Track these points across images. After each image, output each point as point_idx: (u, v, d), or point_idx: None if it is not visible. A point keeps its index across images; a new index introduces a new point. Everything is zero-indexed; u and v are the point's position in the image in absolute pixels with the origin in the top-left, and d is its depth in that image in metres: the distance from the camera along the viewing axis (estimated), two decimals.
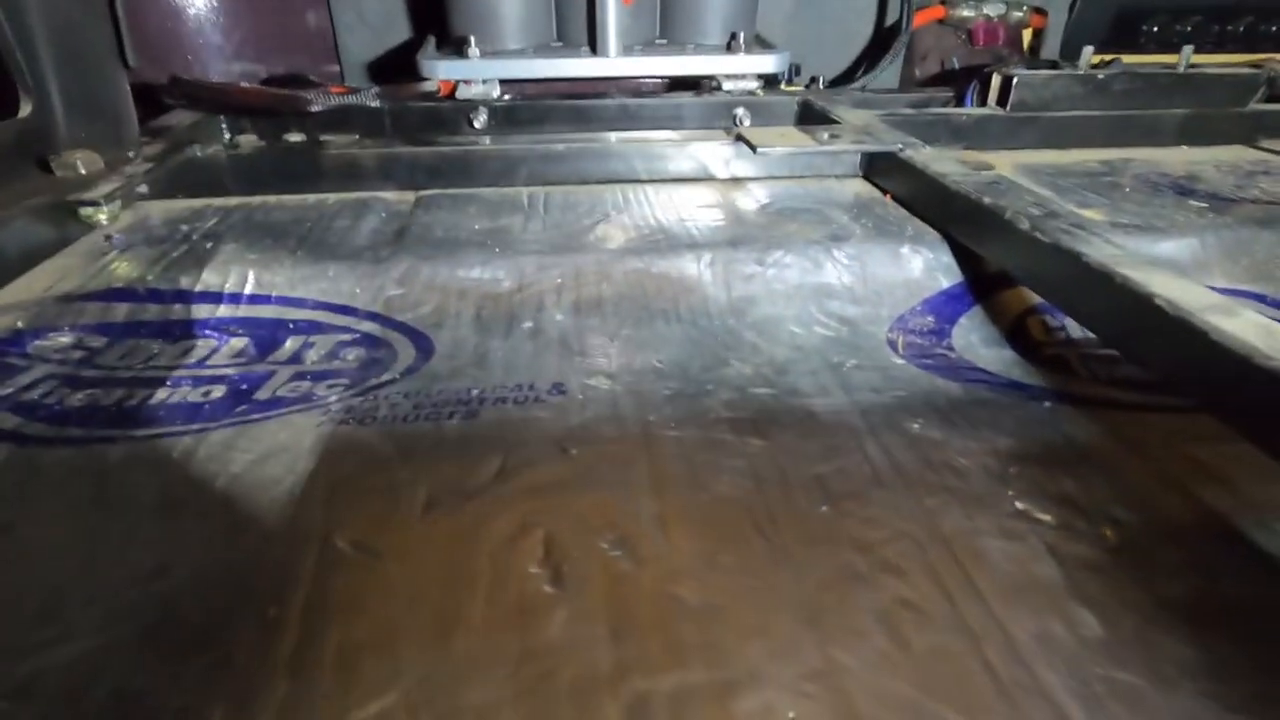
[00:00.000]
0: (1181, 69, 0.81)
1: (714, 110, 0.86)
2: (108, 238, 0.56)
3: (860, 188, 0.69)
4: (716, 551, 0.34)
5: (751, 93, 0.88)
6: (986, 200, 0.52)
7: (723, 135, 0.71)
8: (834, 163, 0.71)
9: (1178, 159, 0.77)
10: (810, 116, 0.83)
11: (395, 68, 0.99)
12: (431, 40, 0.91)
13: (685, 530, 0.35)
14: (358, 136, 0.77)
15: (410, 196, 0.66)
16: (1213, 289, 0.38)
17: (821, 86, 0.98)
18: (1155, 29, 1.07)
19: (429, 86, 0.84)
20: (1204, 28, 1.06)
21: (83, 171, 0.58)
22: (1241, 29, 1.06)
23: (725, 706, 0.27)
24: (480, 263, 0.54)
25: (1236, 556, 0.36)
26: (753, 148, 0.65)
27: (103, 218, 0.56)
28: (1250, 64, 0.90)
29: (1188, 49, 0.82)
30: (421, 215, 0.62)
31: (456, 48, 0.85)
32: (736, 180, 0.71)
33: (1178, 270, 0.43)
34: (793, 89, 0.93)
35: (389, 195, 0.67)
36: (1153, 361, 0.40)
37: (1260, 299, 0.57)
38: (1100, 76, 0.79)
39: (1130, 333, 0.41)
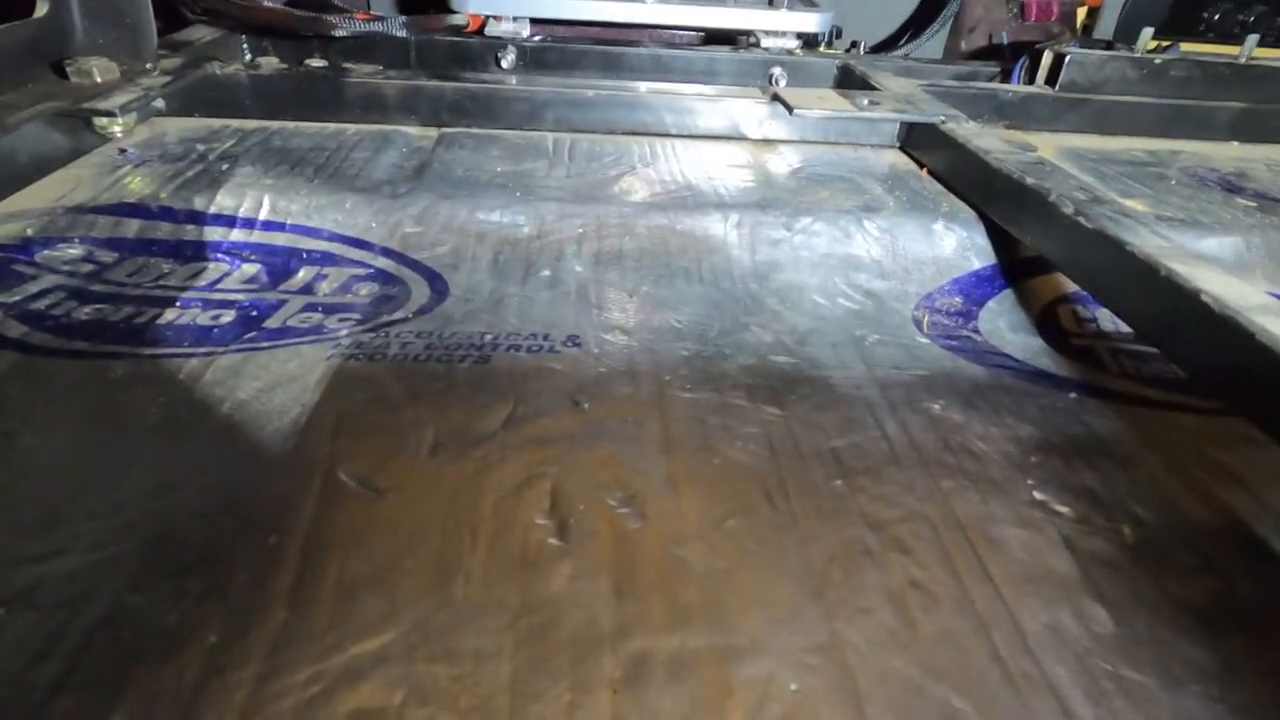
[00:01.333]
0: (1243, 60, 0.78)
1: (750, 67, 0.83)
2: (122, 151, 0.54)
3: (896, 159, 0.67)
4: (725, 516, 0.34)
5: (790, 52, 0.85)
6: (1029, 181, 0.50)
7: (757, 94, 0.69)
8: (871, 131, 0.69)
9: (1228, 154, 0.74)
10: (850, 81, 0.80)
11: None
12: None
13: (694, 493, 0.35)
14: (381, 67, 0.74)
15: (433, 133, 0.64)
16: None
17: (863, 52, 0.94)
18: (1217, 17, 1.02)
19: (458, 20, 0.81)
20: (1268, 19, 1.01)
21: (98, 80, 0.56)
22: None
23: (726, 672, 0.27)
24: (501, 206, 0.52)
25: (1254, 562, 0.35)
26: (789, 108, 0.63)
27: (118, 129, 0.54)
28: None
29: (1252, 39, 0.78)
30: (443, 153, 0.60)
31: None
32: (769, 141, 0.69)
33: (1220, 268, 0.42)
34: (832, 51, 0.90)
35: (411, 130, 0.65)
36: (1191, 359, 0.38)
37: None
38: (1157, 61, 0.76)
39: (1170, 328, 0.39)
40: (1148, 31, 0.77)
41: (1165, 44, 0.85)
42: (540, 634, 0.27)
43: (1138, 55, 0.76)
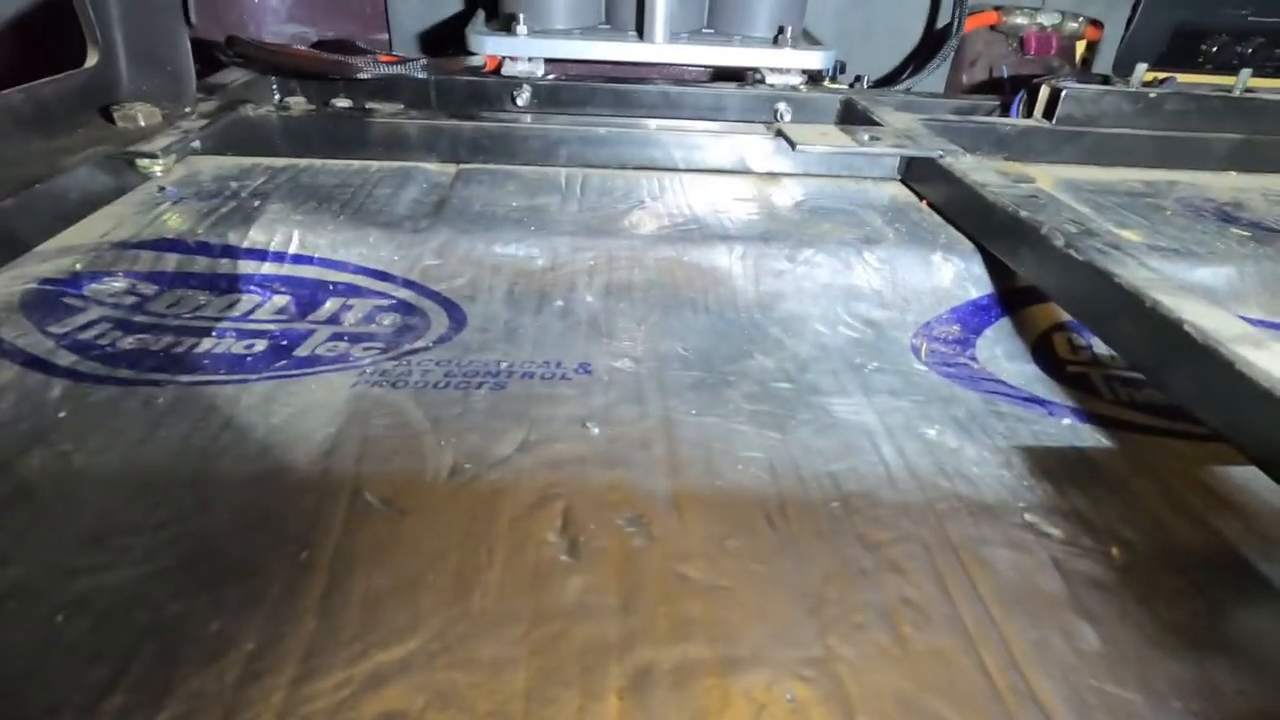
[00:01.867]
0: (1237, 92, 0.80)
1: (755, 103, 0.86)
2: (161, 189, 0.58)
3: (897, 191, 0.69)
4: (726, 536, 0.35)
5: (795, 88, 0.88)
6: (1023, 214, 0.52)
7: (763, 129, 0.72)
8: (873, 164, 0.71)
9: (1224, 185, 0.76)
10: (852, 116, 0.83)
11: (444, 39, 1.00)
12: (481, 14, 0.92)
13: (698, 513, 0.37)
14: (403, 106, 0.78)
15: (451, 169, 0.68)
16: (1247, 320, 0.38)
17: (866, 86, 0.97)
18: (1215, 49, 1.04)
19: (475, 61, 0.85)
20: (1265, 51, 1.03)
21: (142, 124, 0.60)
22: None
23: (725, 681, 0.28)
24: (516, 240, 0.55)
25: (1241, 585, 0.36)
26: (792, 144, 0.66)
27: (158, 170, 0.58)
28: None
29: (1245, 72, 0.80)
30: (461, 188, 0.63)
31: (505, 24, 0.86)
32: (773, 175, 0.71)
33: (1213, 298, 0.43)
34: (836, 86, 0.93)
35: (431, 166, 0.68)
36: (1177, 387, 0.40)
37: None
38: (1152, 95, 0.78)
39: (1157, 356, 0.41)
40: (1141, 67, 0.79)
41: (1161, 78, 0.87)
42: (552, 644, 0.29)
43: (1132, 89, 0.78)
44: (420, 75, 0.80)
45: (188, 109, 0.66)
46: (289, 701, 0.26)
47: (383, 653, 0.28)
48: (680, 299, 0.54)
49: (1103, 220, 0.63)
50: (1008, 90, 0.93)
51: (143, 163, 0.57)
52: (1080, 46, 1.06)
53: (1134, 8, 1.03)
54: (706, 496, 0.38)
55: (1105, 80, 0.83)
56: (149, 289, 0.49)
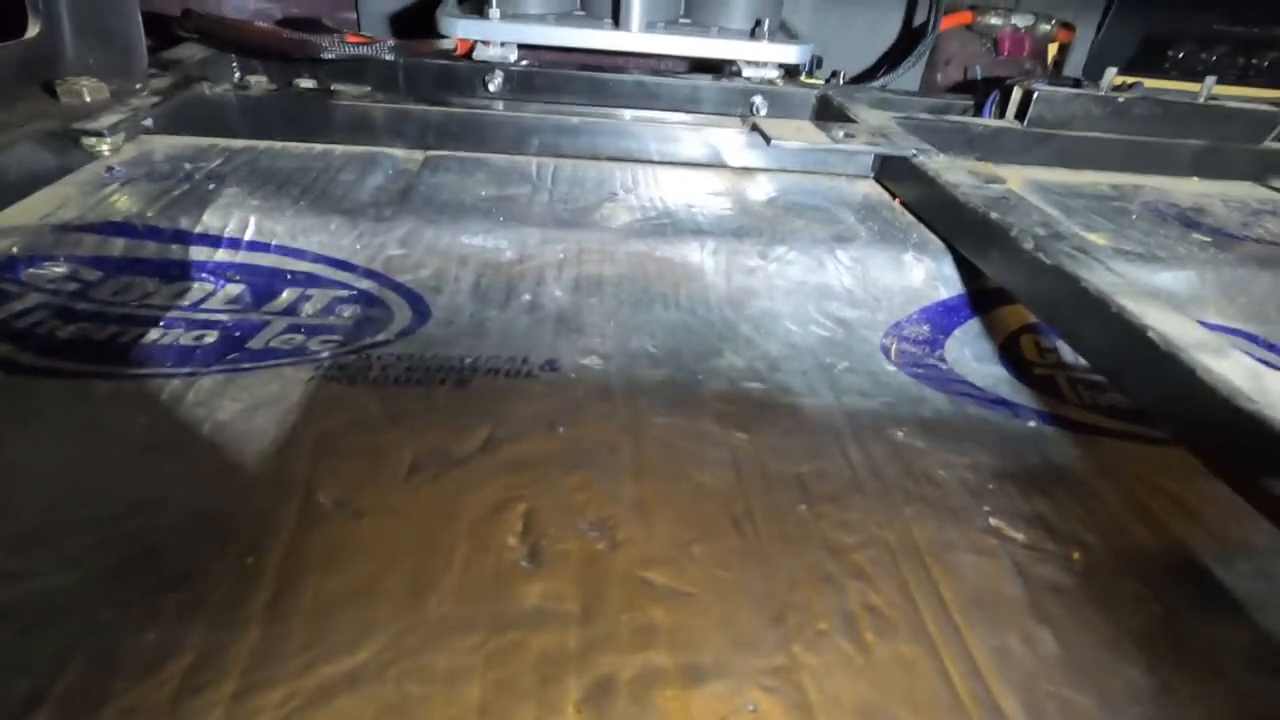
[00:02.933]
0: (1202, 99, 0.81)
1: (731, 96, 0.86)
2: (109, 169, 0.55)
3: (870, 189, 0.69)
4: (692, 541, 0.35)
5: (771, 82, 0.88)
6: (993, 215, 0.52)
7: (738, 122, 0.71)
8: (847, 161, 0.71)
9: (1187, 190, 0.77)
10: (828, 112, 0.83)
11: (414, 21, 0.97)
12: None
13: (663, 517, 0.36)
14: (370, 89, 0.75)
15: (419, 155, 0.66)
16: (1206, 325, 0.39)
17: (842, 82, 0.97)
18: (1181, 56, 1.06)
19: (446, 44, 0.82)
20: (1230, 59, 1.05)
21: (88, 99, 0.57)
22: (1267, 64, 1.05)
23: (686, 691, 0.28)
24: (484, 230, 0.53)
25: (1197, 590, 0.37)
26: (767, 139, 0.65)
27: (105, 148, 0.55)
28: (1272, 100, 0.89)
29: (1210, 80, 0.82)
30: (428, 176, 0.61)
31: (477, 6, 0.83)
32: (747, 170, 0.71)
33: (1173, 302, 0.44)
34: (813, 81, 0.92)
35: (397, 152, 0.66)
36: (1138, 392, 0.40)
37: (1253, 339, 0.57)
38: (1120, 100, 0.79)
39: (1120, 361, 0.41)
40: (1111, 71, 0.80)
41: (1130, 82, 0.88)
42: (509, 654, 0.28)
43: (1102, 93, 0.79)
44: (388, 57, 0.78)
45: (139, 85, 0.63)
46: (230, 717, 0.25)
47: (331, 664, 0.27)
48: (651, 295, 0.53)
49: (1070, 223, 0.64)
50: (980, 90, 0.93)
51: (89, 141, 0.54)
52: (1053, 49, 1.07)
53: (1105, 12, 1.05)
54: (673, 499, 0.37)
55: (1076, 84, 0.83)
56: (92, 275, 0.47)
